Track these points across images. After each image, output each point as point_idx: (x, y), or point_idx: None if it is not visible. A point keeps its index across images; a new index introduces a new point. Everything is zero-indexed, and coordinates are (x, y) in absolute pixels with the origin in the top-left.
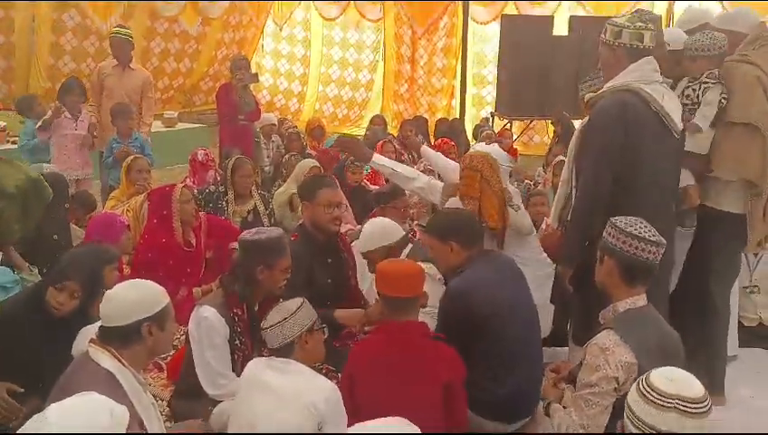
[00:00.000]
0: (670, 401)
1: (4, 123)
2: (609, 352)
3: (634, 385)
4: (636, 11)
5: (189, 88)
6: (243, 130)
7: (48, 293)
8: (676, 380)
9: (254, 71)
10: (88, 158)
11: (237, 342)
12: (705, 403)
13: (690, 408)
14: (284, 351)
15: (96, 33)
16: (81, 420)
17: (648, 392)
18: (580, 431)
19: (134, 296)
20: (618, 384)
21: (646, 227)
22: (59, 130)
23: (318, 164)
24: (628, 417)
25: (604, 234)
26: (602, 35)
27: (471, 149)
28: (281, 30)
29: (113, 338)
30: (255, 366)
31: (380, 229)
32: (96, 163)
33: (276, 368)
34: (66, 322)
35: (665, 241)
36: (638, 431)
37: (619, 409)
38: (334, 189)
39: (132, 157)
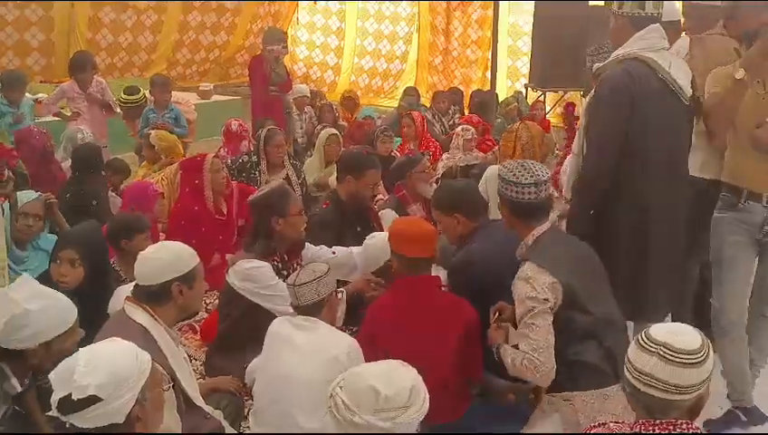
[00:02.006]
0: (655, 346)
1: (45, 95)
2: (531, 280)
3: (642, 353)
4: None
5: (225, 61)
6: (274, 101)
7: (51, 271)
8: (672, 331)
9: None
10: (105, 128)
11: None
12: (692, 356)
13: (670, 356)
14: (313, 308)
15: (133, 6)
16: (111, 360)
17: (642, 338)
18: (534, 356)
19: (165, 257)
20: (550, 304)
21: (524, 170)
22: (72, 104)
23: (336, 132)
24: (625, 365)
25: (498, 186)
26: (612, 5)
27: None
28: (316, 2)
29: (147, 296)
30: (279, 324)
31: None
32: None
33: (299, 325)
34: (79, 299)
35: (544, 178)
36: (628, 374)
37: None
38: (378, 171)
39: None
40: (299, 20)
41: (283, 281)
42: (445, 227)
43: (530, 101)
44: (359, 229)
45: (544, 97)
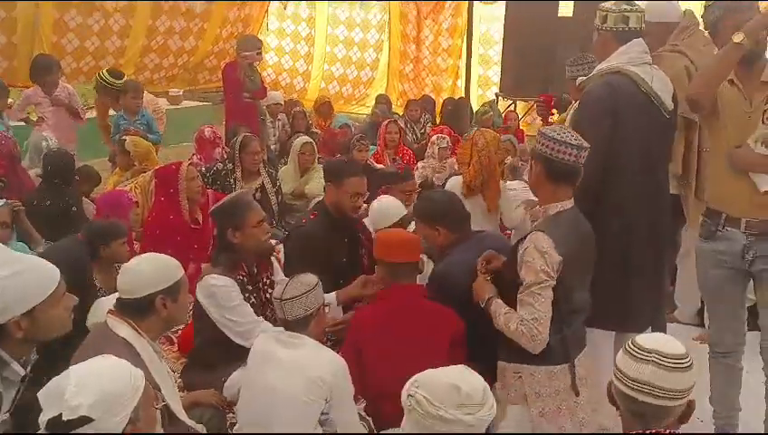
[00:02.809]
0: (648, 354)
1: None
2: (547, 254)
3: (621, 350)
4: None
5: (194, 66)
6: (248, 108)
7: None
8: (655, 339)
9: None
10: (73, 134)
11: (253, 300)
12: (683, 360)
13: (665, 362)
14: (300, 323)
15: (101, 9)
16: (104, 379)
17: (631, 348)
18: (534, 325)
19: (148, 270)
20: (554, 282)
21: (569, 133)
22: (38, 109)
23: (311, 140)
24: (615, 376)
25: (534, 143)
26: (595, 20)
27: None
28: (285, 8)
29: (130, 310)
30: (264, 341)
31: (386, 208)
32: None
33: (284, 342)
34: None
35: (586, 146)
36: (622, 386)
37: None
38: (361, 179)
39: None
40: (268, 26)
41: (251, 296)
42: (426, 238)
43: (500, 109)
44: (346, 240)
45: (515, 106)
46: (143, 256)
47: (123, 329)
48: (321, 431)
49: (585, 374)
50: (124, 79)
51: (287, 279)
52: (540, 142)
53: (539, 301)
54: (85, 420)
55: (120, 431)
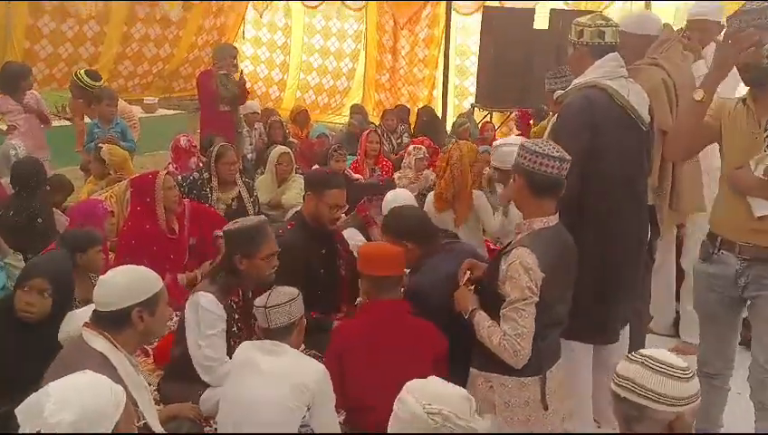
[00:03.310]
0: (641, 357)
1: None
2: (531, 271)
3: (643, 368)
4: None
5: (169, 74)
6: (223, 117)
7: (15, 299)
8: (661, 351)
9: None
10: (42, 141)
11: (235, 328)
12: (672, 368)
13: (652, 364)
14: (283, 332)
15: (75, 16)
16: (84, 395)
17: (630, 354)
18: (517, 341)
19: (125, 282)
20: (537, 296)
21: (550, 145)
22: (8, 117)
23: (288, 151)
24: (645, 395)
25: (515, 157)
26: (569, 35)
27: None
28: (261, 17)
29: (106, 322)
30: (246, 349)
31: (395, 196)
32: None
33: (266, 350)
34: (38, 332)
35: (568, 159)
36: (611, 384)
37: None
38: (342, 191)
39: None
40: (244, 34)
41: (236, 323)
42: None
43: (476, 120)
44: (323, 251)
45: (491, 116)
46: (120, 267)
47: (99, 342)
48: None
49: (556, 387)
50: (101, 82)
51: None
52: (521, 156)
53: (522, 317)
54: None
55: None
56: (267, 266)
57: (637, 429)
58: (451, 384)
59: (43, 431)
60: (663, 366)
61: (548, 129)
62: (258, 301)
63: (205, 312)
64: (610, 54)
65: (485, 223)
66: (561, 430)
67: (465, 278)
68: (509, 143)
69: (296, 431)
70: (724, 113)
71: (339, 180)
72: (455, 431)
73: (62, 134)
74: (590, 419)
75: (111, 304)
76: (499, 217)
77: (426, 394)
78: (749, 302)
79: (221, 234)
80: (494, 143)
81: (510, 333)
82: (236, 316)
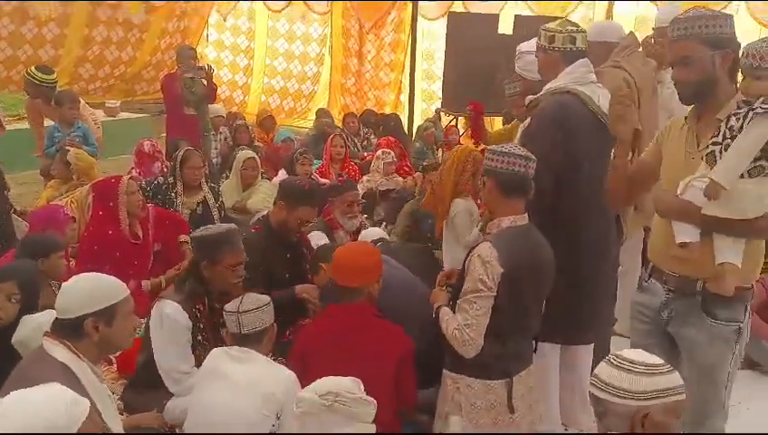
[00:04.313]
0: (612, 357)
1: None
2: (488, 265)
3: (607, 364)
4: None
5: (131, 77)
6: (189, 121)
7: None
8: (636, 351)
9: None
10: None
11: (200, 337)
12: (632, 364)
13: (615, 360)
14: (254, 338)
15: (35, 18)
16: (29, 413)
17: (622, 363)
18: (466, 331)
19: (81, 290)
20: (494, 294)
21: (515, 146)
22: None
23: (254, 155)
24: (603, 389)
25: (484, 161)
26: (538, 41)
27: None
28: (225, 20)
29: (63, 331)
30: (215, 357)
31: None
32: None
33: (235, 357)
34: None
35: (533, 158)
36: (597, 389)
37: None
38: (314, 208)
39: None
40: (208, 38)
41: (200, 331)
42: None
43: (443, 124)
44: (288, 256)
45: (456, 121)
46: (84, 274)
47: (60, 352)
48: None
49: (525, 391)
50: (53, 75)
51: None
52: (489, 159)
53: (473, 308)
54: None
55: None
56: (233, 275)
57: (605, 423)
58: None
59: None
60: (625, 362)
61: (518, 133)
62: (230, 306)
63: (170, 321)
64: (581, 60)
65: (459, 234)
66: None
67: (443, 281)
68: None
69: None
70: (665, 136)
71: (313, 198)
72: (346, 404)
73: (17, 138)
74: (557, 421)
75: (67, 311)
76: (475, 231)
77: (316, 386)
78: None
79: (186, 239)
80: (519, 48)
81: (461, 323)
82: (201, 325)
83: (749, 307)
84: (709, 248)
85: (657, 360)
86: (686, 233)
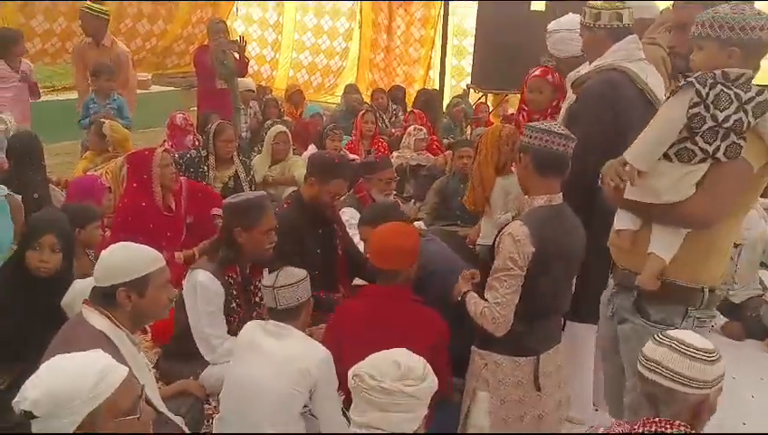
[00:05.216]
0: (669, 340)
1: None
2: (520, 244)
3: (655, 345)
4: None
5: (162, 50)
6: (221, 95)
7: (27, 259)
8: (689, 334)
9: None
10: (28, 112)
11: (234, 305)
12: (700, 352)
13: (679, 347)
14: (291, 313)
15: None
16: (59, 378)
17: (658, 335)
18: (496, 308)
19: (115, 259)
20: (524, 272)
21: (554, 124)
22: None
23: (285, 129)
24: (674, 379)
25: (521, 137)
26: (582, 18)
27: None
28: None
29: (99, 299)
30: (251, 330)
31: None
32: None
33: (271, 332)
34: (50, 288)
35: (573, 137)
36: (639, 366)
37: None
38: (346, 181)
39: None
40: (237, 11)
41: (234, 298)
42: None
43: (471, 101)
44: (320, 231)
45: (486, 98)
46: (121, 244)
47: (98, 319)
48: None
49: (553, 370)
50: (107, 9)
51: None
52: (527, 135)
53: (504, 286)
54: (28, 416)
55: (70, 431)
56: (266, 241)
57: (664, 411)
58: (398, 352)
59: (19, 403)
60: (690, 350)
61: (562, 111)
62: (266, 281)
63: (202, 288)
64: (629, 37)
65: (492, 210)
66: (555, 413)
67: (469, 275)
68: (565, 28)
69: (298, 415)
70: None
71: (345, 171)
72: (370, 391)
73: (52, 109)
74: (589, 402)
75: (101, 280)
76: (509, 215)
77: (362, 364)
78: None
79: (218, 212)
80: (548, 27)
81: (491, 302)
82: (234, 292)
83: (691, 311)
84: (647, 240)
85: (710, 344)
86: (624, 220)
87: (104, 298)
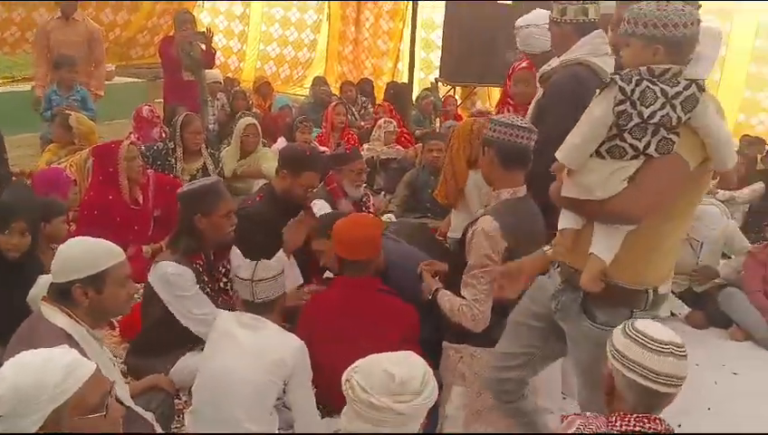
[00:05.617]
0: (666, 347)
1: None
2: (492, 240)
3: (621, 333)
4: None
5: (126, 41)
6: (187, 87)
7: None
8: (656, 327)
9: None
10: None
11: (208, 290)
12: (683, 348)
13: (680, 352)
14: (267, 307)
15: None
16: (21, 375)
17: (647, 342)
18: (475, 305)
19: (71, 254)
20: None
21: (518, 118)
22: None
23: (255, 122)
24: (634, 371)
25: (485, 131)
26: (550, 14)
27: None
28: None
29: (57, 296)
30: (225, 321)
31: None
32: None
33: (246, 324)
34: (20, 267)
35: (535, 130)
36: (647, 381)
37: None
38: (317, 173)
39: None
40: (204, 2)
41: (205, 284)
42: (329, 251)
43: (441, 93)
44: None
45: (454, 91)
46: (78, 238)
47: (58, 317)
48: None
49: None
50: None
51: (248, 262)
52: (491, 129)
53: (481, 282)
54: None
55: (33, 430)
56: (227, 224)
57: (656, 412)
58: (398, 358)
59: None
60: (683, 350)
61: (532, 105)
62: (243, 274)
63: (175, 277)
64: (595, 32)
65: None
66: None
67: (427, 268)
68: (533, 24)
69: (271, 406)
70: None
71: (316, 163)
72: (358, 403)
73: (12, 100)
74: (558, 392)
75: (57, 276)
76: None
77: (360, 363)
78: None
79: None
80: (516, 24)
81: (469, 299)
82: (206, 278)
83: (636, 313)
84: (589, 239)
85: (672, 333)
86: (567, 219)
87: (61, 295)
